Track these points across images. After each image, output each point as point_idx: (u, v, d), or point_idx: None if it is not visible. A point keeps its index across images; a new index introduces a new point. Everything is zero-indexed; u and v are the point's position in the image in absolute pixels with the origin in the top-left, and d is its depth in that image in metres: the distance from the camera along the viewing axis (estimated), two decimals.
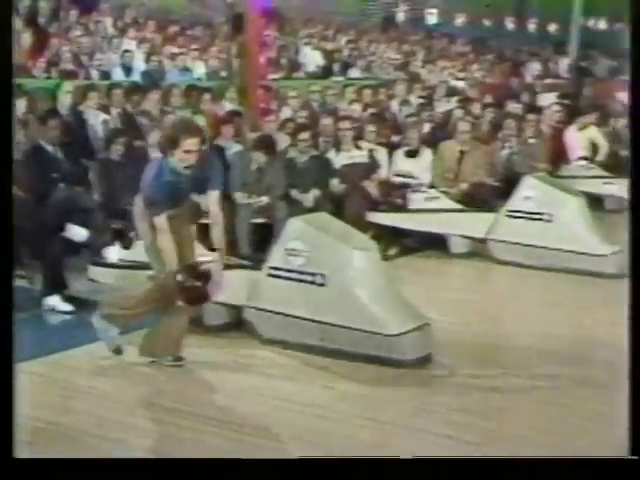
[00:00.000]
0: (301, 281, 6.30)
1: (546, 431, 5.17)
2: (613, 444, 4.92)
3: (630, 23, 3.48)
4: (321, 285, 6.25)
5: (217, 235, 5.93)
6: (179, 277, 5.68)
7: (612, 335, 7.32)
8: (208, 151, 6.10)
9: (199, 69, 14.04)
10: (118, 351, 6.01)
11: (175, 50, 14.35)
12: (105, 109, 10.33)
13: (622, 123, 13.19)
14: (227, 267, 6.48)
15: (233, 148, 9.50)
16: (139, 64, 13.35)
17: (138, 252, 6.49)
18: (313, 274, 6.29)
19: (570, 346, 6.75)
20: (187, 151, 5.63)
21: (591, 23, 28.39)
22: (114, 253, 7.42)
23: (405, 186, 9.85)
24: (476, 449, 4.88)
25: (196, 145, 5.67)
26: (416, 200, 9.67)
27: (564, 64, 20.95)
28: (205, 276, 5.78)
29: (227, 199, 8.49)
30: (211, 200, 5.92)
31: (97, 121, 10.00)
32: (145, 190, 5.83)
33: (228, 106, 11.35)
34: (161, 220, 5.70)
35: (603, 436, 5.09)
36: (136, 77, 12.80)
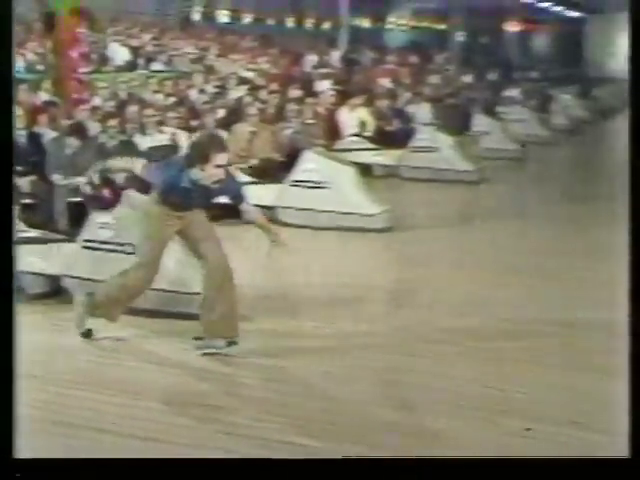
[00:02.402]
0: (112, 251, 6.10)
1: (332, 366, 5.23)
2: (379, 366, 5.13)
3: (630, 23, 3.20)
4: (130, 254, 6.04)
5: (258, 216, 5.67)
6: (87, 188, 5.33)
7: (381, 279, 7.53)
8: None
9: (17, 63, 13.37)
10: (87, 334, 5.56)
11: None
12: None
13: (385, 103, 13.44)
14: (45, 241, 6.20)
15: (49, 135, 9.05)
16: None
17: None
18: (122, 244, 6.10)
19: (347, 291, 6.85)
20: (218, 166, 5.08)
21: (357, 22, 28.89)
22: None
23: None
24: (266, 386, 4.94)
25: (225, 160, 5.17)
26: None
27: (336, 56, 21.20)
28: (111, 184, 5.42)
29: (45, 181, 8.14)
30: (249, 210, 5.56)
31: None
32: (157, 184, 5.32)
33: (44, 96, 10.87)
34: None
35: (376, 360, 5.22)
36: None
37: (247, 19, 26.70)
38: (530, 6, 36.61)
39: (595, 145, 19.42)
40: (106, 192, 5.49)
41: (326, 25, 28.99)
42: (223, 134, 9.90)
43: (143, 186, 5.80)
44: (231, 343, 5.33)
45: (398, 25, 36.37)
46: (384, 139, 12.57)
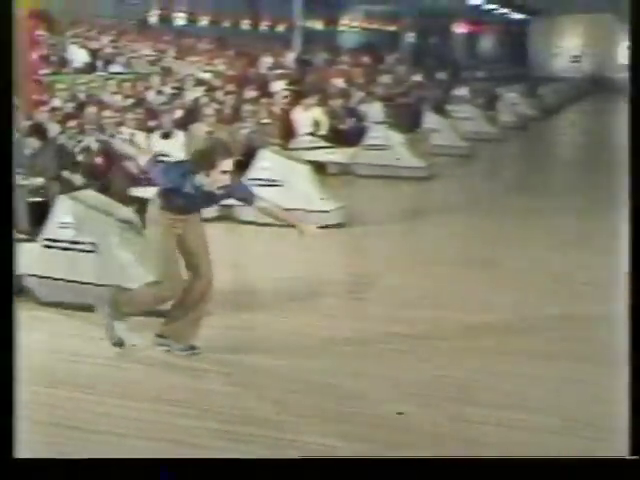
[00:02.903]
0: (72, 249, 6.02)
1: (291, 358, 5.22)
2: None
3: (630, 23, 3.02)
4: (90, 252, 6.00)
5: (278, 210, 5.42)
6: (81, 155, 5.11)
7: (337, 273, 7.53)
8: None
9: None
10: (120, 343, 5.28)
11: None
12: None
13: (338, 103, 13.45)
14: None
15: None
16: None
17: None
18: (83, 243, 6.03)
19: (304, 286, 6.84)
20: (224, 171, 4.84)
21: (310, 24, 28.87)
22: None
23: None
24: (216, 377, 4.95)
25: (231, 165, 4.90)
26: None
27: (290, 57, 21.15)
28: (107, 154, 5.18)
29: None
30: (266, 207, 5.27)
31: None
32: (160, 185, 5.05)
33: None
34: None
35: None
36: None
37: (203, 22, 26.54)
38: (477, 8, 36.88)
39: (540, 141, 19.63)
40: (99, 160, 5.28)
41: (280, 27, 28.92)
42: (180, 134, 9.91)
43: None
44: (192, 348, 5.24)
45: (350, 27, 36.44)
46: (338, 137, 12.58)
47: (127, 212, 6.45)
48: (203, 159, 4.90)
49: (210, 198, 5.06)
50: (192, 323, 5.26)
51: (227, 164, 4.85)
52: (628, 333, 2.97)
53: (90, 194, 6.69)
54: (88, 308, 5.88)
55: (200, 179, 4.89)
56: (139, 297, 5.33)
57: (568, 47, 40.40)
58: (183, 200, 4.98)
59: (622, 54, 39.44)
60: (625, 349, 5.23)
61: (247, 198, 5.17)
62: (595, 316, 5.93)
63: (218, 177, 4.85)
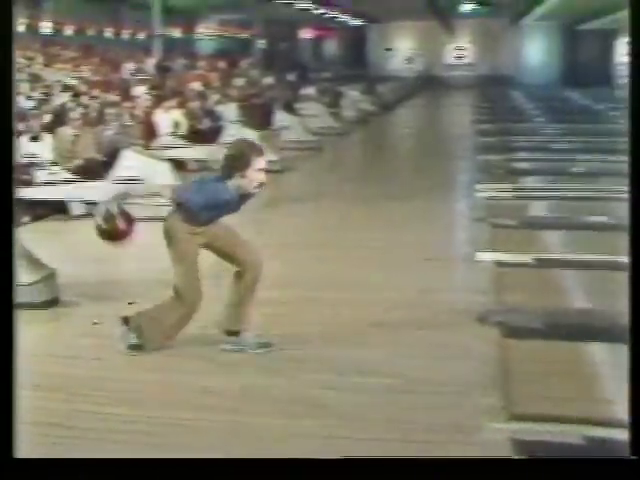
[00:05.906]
0: None
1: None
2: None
3: (630, 22, 2.84)
4: None
5: None
6: (99, 220, 4.56)
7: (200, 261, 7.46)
8: None
9: None
10: (135, 347, 4.81)
11: None
12: None
13: (196, 105, 13.35)
14: None
15: None
16: None
17: None
18: None
19: (165, 275, 6.70)
20: (260, 170, 4.46)
21: (169, 32, 28.44)
22: None
23: (31, 165, 9.29)
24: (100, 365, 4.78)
25: (264, 163, 4.49)
26: (41, 175, 9.16)
27: (151, 63, 20.82)
28: (126, 217, 4.63)
29: None
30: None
31: None
32: (198, 203, 4.52)
33: None
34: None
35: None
36: None
37: (69, 31, 25.68)
38: (321, 16, 37.22)
39: (379, 133, 20.08)
40: (121, 223, 4.48)
41: (141, 35, 28.34)
42: (48, 136, 9.60)
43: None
44: (267, 345, 4.80)
45: (206, 34, 36.11)
46: (196, 137, 12.50)
47: None
48: (237, 161, 4.49)
49: (243, 199, 4.64)
50: (243, 312, 4.88)
51: (261, 162, 4.51)
52: (629, 332, 2.74)
53: None
54: None
55: (235, 182, 4.50)
56: (164, 319, 4.83)
57: (401, 50, 41.46)
58: (217, 211, 4.59)
59: (447, 56, 40.95)
60: (462, 313, 5.43)
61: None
62: (437, 288, 6.12)
63: (254, 176, 4.49)
